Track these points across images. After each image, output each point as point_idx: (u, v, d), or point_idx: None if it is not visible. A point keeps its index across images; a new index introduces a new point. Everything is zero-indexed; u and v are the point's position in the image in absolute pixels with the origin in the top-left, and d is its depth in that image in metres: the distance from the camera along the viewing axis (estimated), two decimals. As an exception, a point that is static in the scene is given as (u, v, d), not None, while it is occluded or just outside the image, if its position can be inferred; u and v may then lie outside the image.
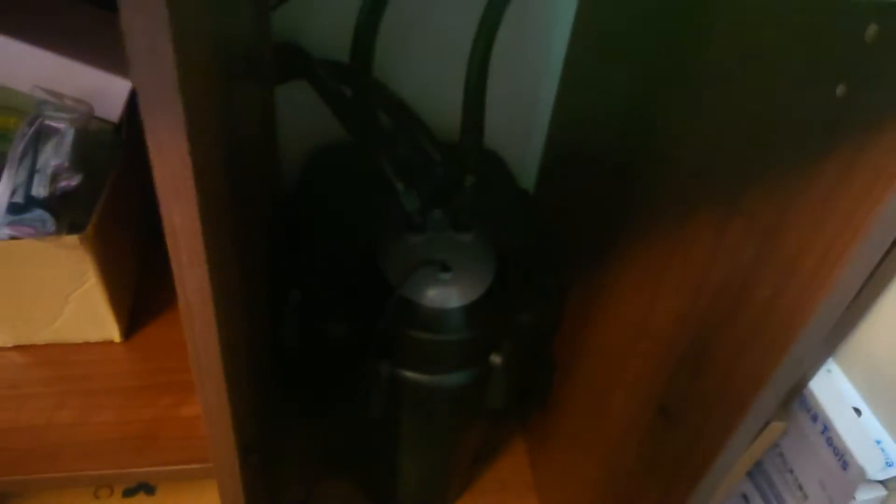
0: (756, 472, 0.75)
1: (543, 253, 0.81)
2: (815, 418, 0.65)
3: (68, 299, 0.54)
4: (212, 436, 0.47)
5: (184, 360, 0.56)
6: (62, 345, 0.57)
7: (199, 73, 0.33)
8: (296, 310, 0.70)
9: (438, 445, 0.83)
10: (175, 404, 0.54)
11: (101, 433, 0.52)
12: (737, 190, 0.48)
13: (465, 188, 0.67)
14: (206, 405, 0.44)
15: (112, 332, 0.58)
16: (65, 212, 0.48)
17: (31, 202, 0.46)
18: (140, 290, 0.63)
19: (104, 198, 0.53)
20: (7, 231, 0.47)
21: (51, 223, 0.47)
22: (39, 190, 0.46)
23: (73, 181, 0.48)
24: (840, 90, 0.38)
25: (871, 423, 0.63)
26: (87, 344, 0.58)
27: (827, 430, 0.63)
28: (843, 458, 0.62)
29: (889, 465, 0.60)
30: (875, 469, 0.60)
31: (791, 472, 0.69)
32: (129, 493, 0.80)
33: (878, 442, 0.61)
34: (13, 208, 0.46)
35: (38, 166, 0.46)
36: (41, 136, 0.47)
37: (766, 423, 0.65)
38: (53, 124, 0.48)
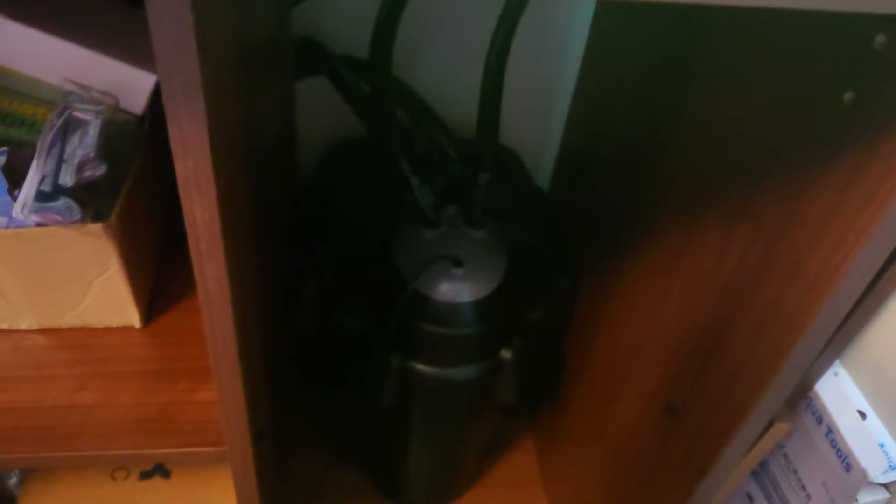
0: (761, 472, 0.75)
1: (556, 250, 0.82)
2: (819, 420, 0.65)
3: (91, 285, 0.56)
4: (226, 419, 0.49)
5: (201, 347, 0.58)
6: (84, 329, 0.59)
7: (221, 68, 0.35)
8: (311, 301, 0.72)
9: (447, 438, 0.84)
10: (191, 389, 0.56)
11: (120, 415, 0.53)
12: (745, 193, 0.49)
13: (480, 185, 0.68)
14: (221, 390, 0.46)
15: (132, 317, 0.59)
16: (89, 201, 0.50)
17: (58, 191, 0.48)
18: (160, 278, 0.64)
19: (127, 188, 0.54)
20: (35, 218, 0.48)
21: (76, 211, 0.49)
22: (66, 179, 0.48)
23: (99, 171, 0.50)
24: (847, 97, 0.39)
25: (875, 426, 0.63)
26: (108, 329, 0.59)
27: (831, 432, 0.64)
28: (846, 460, 0.62)
29: (892, 468, 0.61)
30: (877, 472, 0.60)
31: (795, 472, 0.69)
32: (145, 475, 0.81)
33: (882, 445, 0.62)
34: (41, 196, 0.47)
35: (65, 156, 0.48)
36: (69, 126, 0.49)
37: (771, 424, 0.65)
38: (81, 116, 0.49)
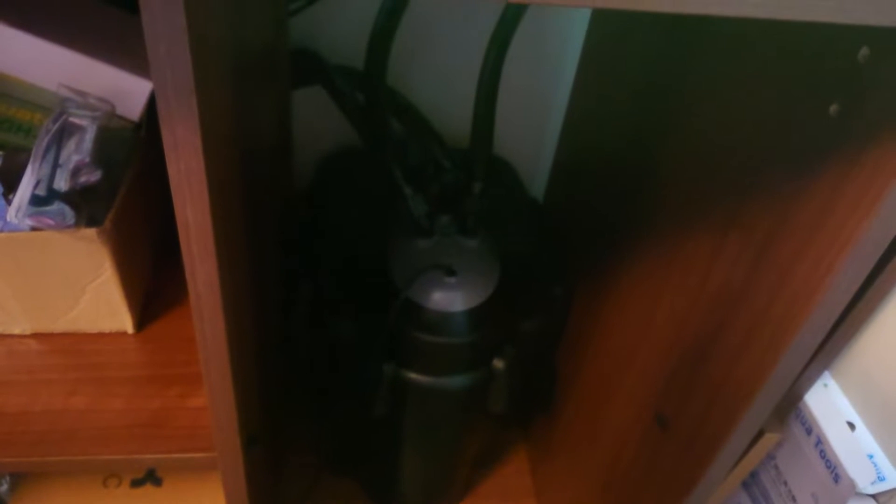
0: (752, 483, 0.75)
1: (550, 260, 0.83)
2: (809, 431, 0.66)
3: (85, 290, 0.56)
4: (216, 425, 0.49)
5: (193, 353, 0.59)
6: (77, 334, 0.59)
7: (215, 74, 0.35)
8: (304, 308, 0.72)
9: (440, 447, 0.84)
10: (183, 395, 0.56)
11: (112, 420, 0.54)
12: (734, 204, 0.49)
13: (474, 194, 0.69)
14: (211, 394, 0.46)
15: (125, 323, 0.59)
16: (84, 205, 0.50)
17: (52, 195, 0.48)
18: (154, 284, 0.65)
19: (122, 193, 0.55)
20: (29, 222, 0.49)
21: (70, 216, 0.49)
22: (61, 184, 0.48)
23: (94, 176, 0.50)
24: (833, 109, 0.40)
25: (864, 437, 0.64)
26: (101, 334, 0.60)
27: (820, 442, 0.64)
28: (835, 471, 0.62)
29: (881, 479, 0.61)
30: (866, 483, 0.60)
31: (785, 483, 0.70)
32: (136, 483, 0.81)
33: (871, 456, 0.62)
34: (36, 200, 0.48)
35: (60, 161, 0.48)
36: (65, 132, 0.49)
37: (761, 434, 0.66)
38: (77, 121, 0.50)
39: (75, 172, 0.49)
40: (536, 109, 0.91)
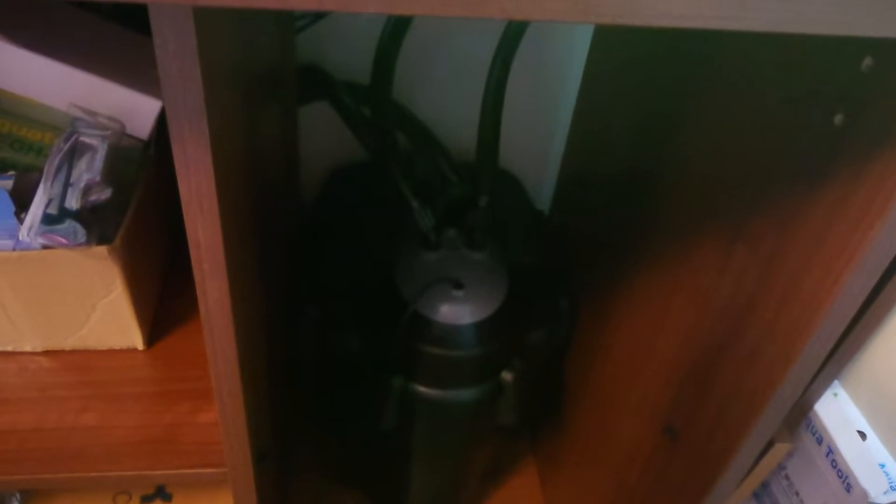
0: (763, 494, 0.75)
1: (557, 273, 0.83)
2: (820, 441, 0.65)
3: (95, 307, 0.57)
4: (227, 441, 0.49)
5: (203, 369, 0.59)
6: (88, 351, 0.60)
7: (224, 94, 0.36)
8: (312, 323, 0.72)
9: (449, 460, 0.84)
10: (193, 411, 0.56)
11: (123, 437, 0.54)
12: (740, 216, 0.49)
13: (480, 208, 0.69)
14: (222, 410, 0.46)
15: (136, 339, 0.60)
16: (95, 224, 0.51)
17: (64, 214, 0.48)
18: (163, 301, 0.65)
19: (132, 211, 0.55)
20: (41, 241, 0.49)
21: (82, 234, 0.50)
22: (72, 202, 0.49)
23: (104, 195, 0.50)
24: (838, 119, 0.40)
25: (875, 446, 0.63)
26: (112, 350, 0.60)
27: (832, 452, 0.64)
28: (846, 480, 0.62)
29: (893, 488, 0.60)
30: (878, 492, 0.60)
31: (797, 494, 0.69)
32: (146, 499, 0.81)
33: (882, 465, 0.62)
34: (47, 219, 0.48)
35: (71, 180, 0.49)
36: (76, 151, 0.50)
37: (771, 444, 0.65)
38: (87, 140, 0.50)
39: (86, 191, 0.49)
40: (541, 122, 0.91)
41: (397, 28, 0.61)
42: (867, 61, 0.37)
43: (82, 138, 0.50)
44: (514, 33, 0.57)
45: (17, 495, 0.79)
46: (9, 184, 0.49)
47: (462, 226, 0.71)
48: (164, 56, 0.29)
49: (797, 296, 0.43)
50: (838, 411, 0.66)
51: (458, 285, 0.67)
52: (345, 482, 0.97)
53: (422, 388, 0.70)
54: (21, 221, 0.49)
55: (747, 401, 0.49)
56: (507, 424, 0.75)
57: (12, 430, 0.53)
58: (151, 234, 0.62)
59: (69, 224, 0.49)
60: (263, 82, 0.58)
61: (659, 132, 0.62)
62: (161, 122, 0.56)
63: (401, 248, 0.71)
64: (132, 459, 0.53)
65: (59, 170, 0.48)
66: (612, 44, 0.76)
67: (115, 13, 0.62)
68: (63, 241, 0.49)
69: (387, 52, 0.62)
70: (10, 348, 0.59)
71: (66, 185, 0.49)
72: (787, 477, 0.71)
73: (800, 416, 0.67)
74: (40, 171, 0.49)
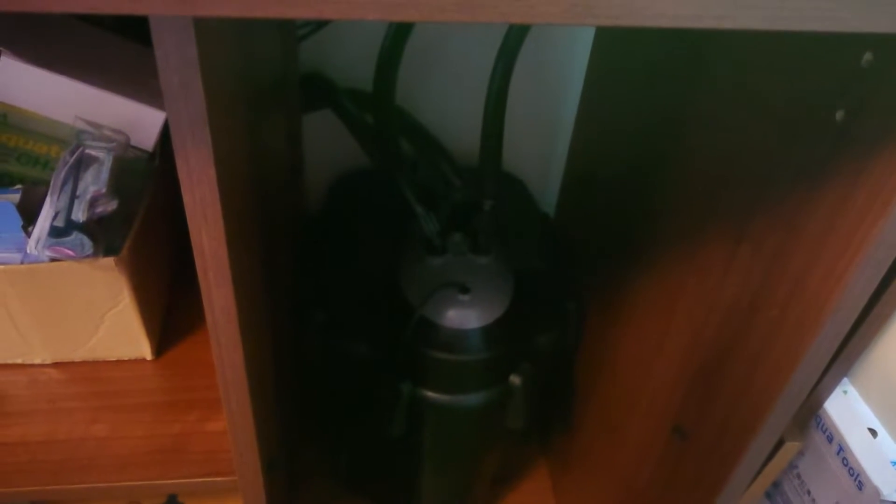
0: (775, 493, 0.75)
1: (563, 276, 0.83)
2: (830, 439, 0.65)
3: (103, 319, 0.57)
4: (236, 449, 0.49)
5: (211, 378, 0.59)
6: (97, 362, 0.60)
7: (227, 104, 0.36)
8: (319, 330, 0.72)
9: (459, 465, 0.84)
10: (202, 420, 0.56)
11: (133, 446, 0.54)
12: (744, 214, 0.49)
13: (485, 212, 0.69)
14: (230, 419, 0.46)
15: (144, 350, 0.60)
16: (101, 235, 0.51)
17: (70, 226, 0.49)
18: (171, 311, 0.65)
19: (138, 222, 0.55)
20: (48, 253, 0.50)
21: (89, 246, 0.50)
22: (79, 215, 0.49)
23: (110, 206, 0.51)
24: (839, 116, 0.40)
25: (886, 443, 0.63)
26: (121, 361, 0.60)
27: (842, 450, 0.64)
28: (858, 478, 0.62)
29: (905, 485, 0.60)
30: (890, 490, 0.60)
31: (808, 493, 0.69)
32: (158, 509, 0.81)
33: (894, 462, 0.61)
34: (55, 231, 0.48)
35: (78, 192, 0.49)
36: (81, 163, 0.50)
37: (782, 443, 0.65)
38: (93, 153, 0.50)
39: (92, 203, 0.50)
40: (545, 125, 0.91)
41: (399, 34, 0.61)
42: (867, 57, 0.37)
43: (88, 151, 0.50)
44: (515, 37, 0.57)
45: (30, 507, 0.79)
46: (16, 197, 0.50)
47: (467, 230, 0.71)
48: (166, 67, 0.30)
49: (803, 294, 0.43)
50: (848, 409, 0.66)
51: (465, 290, 0.67)
52: (354, 489, 0.97)
53: (430, 394, 0.70)
54: (29, 234, 0.49)
55: (756, 400, 0.48)
56: (516, 428, 0.75)
57: (23, 441, 0.54)
58: (158, 245, 0.62)
59: (76, 236, 0.49)
60: (266, 91, 0.58)
61: (661, 133, 0.62)
62: (166, 133, 0.57)
63: (406, 254, 0.71)
64: (142, 469, 0.53)
65: (65, 182, 0.49)
66: (613, 45, 0.76)
67: (116, 25, 0.62)
68: (70, 253, 0.50)
69: (389, 58, 0.62)
70: (19, 361, 0.59)
71: (73, 197, 0.49)
72: (798, 476, 0.70)
73: (809, 414, 0.67)
74: (47, 184, 0.49)
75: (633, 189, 0.69)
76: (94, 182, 0.50)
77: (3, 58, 0.52)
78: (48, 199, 0.49)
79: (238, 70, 0.42)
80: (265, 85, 0.58)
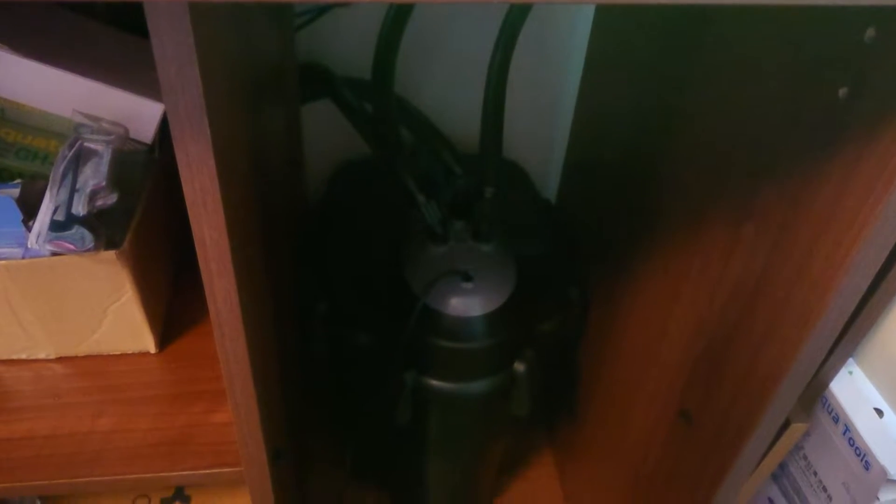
0: (781, 475, 0.75)
1: (566, 262, 0.82)
2: (836, 419, 0.65)
3: (106, 312, 0.57)
4: (242, 440, 0.49)
5: (215, 370, 0.59)
6: (101, 356, 0.60)
7: (225, 93, 0.36)
8: (323, 320, 0.72)
9: (465, 453, 0.84)
10: (208, 411, 0.56)
11: (138, 439, 0.54)
12: (747, 195, 0.49)
13: (486, 199, 0.69)
14: (235, 409, 0.46)
15: (147, 343, 0.60)
16: (102, 229, 0.51)
17: (71, 220, 0.49)
18: (173, 304, 0.65)
19: (139, 215, 0.55)
20: (49, 247, 0.49)
21: (90, 239, 0.50)
22: (79, 208, 0.49)
23: (110, 200, 0.51)
24: (842, 92, 0.39)
25: (893, 423, 0.63)
26: (124, 355, 0.60)
27: (848, 430, 0.64)
28: (865, 458, 0.62)
29: (912, 465, 0.60)
30: (898, 469, 0.60)
31: (815, 474, 0.69)
32: (165, 502, 0.82)
33: (901, 442, 0.61)
34: (55, 226, 0.48)
35: (77, 186, 0.49)
36: (80, 157, 0.50)
37: (788, 424, 0.65)
38: (92, 146, 0.50)
39: (92, 196, 0.49)
40: (545, 112, 0.91)
41: (397, 20, 0.60)
42: (870, 32, 0.37)
43: (87, 144, 0.50)
44: (513, 21, 0.56)
45: (38, 503, 0.80)
46: (15, 192, 0.50)
47: (469, 218, 0.71)
48: (162, 57, 0.30)
49: (808, 273, 0.43)
50: (854, 389, 0.66)
51: (467, 277, 0.67)
52: (362, 478, 0.97)
53: (434, 382, 0.70)
54: (29, 229, 0.49)
55: (761, 381, 0.48)
56: (520, 415, 0.75)
57: (29, 436, 0.54)
58: (159, 238, 0.62)
59: (77, 230, 0.49)
60: (264, 81, 0.58)
61: (663, 115, 0.62)
62: (165, 125, 0.57)
63: (408, 243, 0.71)
64: (148, 462, 0.53)
65: (64, 176, 0.49)
66: (613, 28, 0.75)
67: (111, 17, 0.62)
68: (71, 247, 0.50)
69: (387, 46, 0.62)
70: (24, 356, 0.59)
71: (73, 191, 0.49)
72: (804, 457, 0.70)
73: (815, 395, 0.67)
74: (46, 178, 0.49)
75: (634, 173, 0.69)
76: (93, 175, 0.50)
77: (-1, 52, 0.52)
78: (48, 194, 0.48)
79: (236, 60, 0.41)
80: (263, 75, 0.58)
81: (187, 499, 0.82)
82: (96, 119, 0.53)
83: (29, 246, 0.49)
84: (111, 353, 0.60)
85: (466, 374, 0.71)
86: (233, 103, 0.39)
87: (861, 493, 0.63)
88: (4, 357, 0.59)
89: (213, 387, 0.58)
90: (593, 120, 0.83)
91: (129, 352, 0.60)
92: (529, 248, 0.78)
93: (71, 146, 0.49)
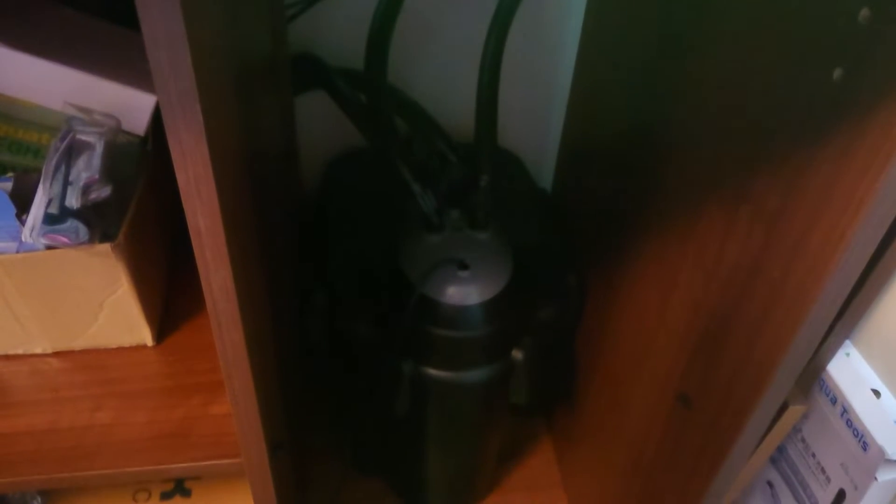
0: (780, 458, 0.75)
1: (563, 250, 0.83)
2: (834, 401, 0.65)
3: (102, 306, 0.57)
4: (241, 430, 0.49)
5: (213, 362, 0.59)
6: (98, 350, 0.60)
7: (217, 82, 0.35)
8: (320, 311, 0.72)
9: (464, 442, 0.84)
10: (206, 403, 0.56)
11: (137, 432, 0.54)
12: (743, 178, 0.49)
13: (482, 187, 0.69)
14: (234, 401, 0.46)
15: (144, 336, 0.60)
16: (97, 222, 0.51)
17: (65, 213, 0.48)
18: (170, 297, 0.65)
19: (133, 207, 0.55)
20: (43, 241, 0.49)
21: (84, 232, 0.50)
22: (73, 201, 0.49)
23: (104, 192, 0.50)
24: (837, 74, 0.39)
25: (890, 403, 0.63)
26: (121, 348, 0.60)
27: (846, 412, 0.64)
28: (862, 439, 0.62)
29: (910, 445, 0.60)
30: (895, 449, 0.60)
31: (813, 455, 0.69)
32: (165, 496, 0.82)
33: (898, 422, 0.62)
34: (49, 219, 0.48)
35: (71, 179, 0.49)
36: (73, 150, 0.49)
37: (785, 407, 0.65)
38: (84, 138, 0.50)
39: (86, 189, 0.49)
40: (539, 99, 0.91)
41: (389, 8, 0.60)
42: (864, 12, 0.37)
43: (79, 136, 0.50)
44: (507, 8, 0.56)
45: (39, 498, 0.80)
46: (8, 185, 0.50)
47: (464, 207, 0.71)
48: (153, 44, 0.29)
49: (804, 254, 0.43)
50: (851, 371, 0.66)
51: (464, 266, 0.67)
52: (362, 469, 0.97)
53: (432, 371, 0.70)
54: (23, 223, 0.49)
55: (759, 364, 0.48)
56: (519, 403, 0.75)
57: (28, 431, 0.54)
58: (154, 230, 0.62)
59: (71, 223, 0.49)
60: (257, 72, 0.58)
61: (657, 99, 0.62)
62: (157, 116, 0.56)
63: (404, 232, 0.71)
64: (148, 454, 0.53)
65: (57, 169, 0.48)
66: (607, 10, 0.75)
67: (101, 9, 0.61)
68: (65, 240, 0.49)
69: (380, 34, 0.62)
70: (20, 351, 0.59)
71: (66, 184, 0.49)
72: (802, 439, 0.71)
73: (813, 377, 0.67)
74: (39, 172, 0.49)
75: (629, 159, 0.69)
76: (86, 168, 0.49)
77: (-12, 45, 0.52)
78: (41, 187, 0.48)
79: (227, 49, 0.41)
80: (255, 66, 0.57)
81: (187, 492, 0.82)
82: (88, 111, 0.53)
83: (23, 240, 0.49)
84: (108, 347, 0.60)
85: (464, 363, 0.71)
86: (225, 92, 0.39)
87: (859, 473, 0.63)
88: (1, 352, 0.59)
89: (210, 379, 0.58)
90: (588, 108, 0.83)
91: (126, 345, 0.60)
92: (526, 237, 0.78)
93: (63, 139, 0.49)
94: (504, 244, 0.71)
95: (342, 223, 0.80)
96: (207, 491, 0.82)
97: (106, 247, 0.52)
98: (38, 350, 0.59)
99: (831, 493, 0.67)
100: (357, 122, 0.76)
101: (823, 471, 0.68)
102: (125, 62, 0.56)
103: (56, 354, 0.60)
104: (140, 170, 0.57)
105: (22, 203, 0.49)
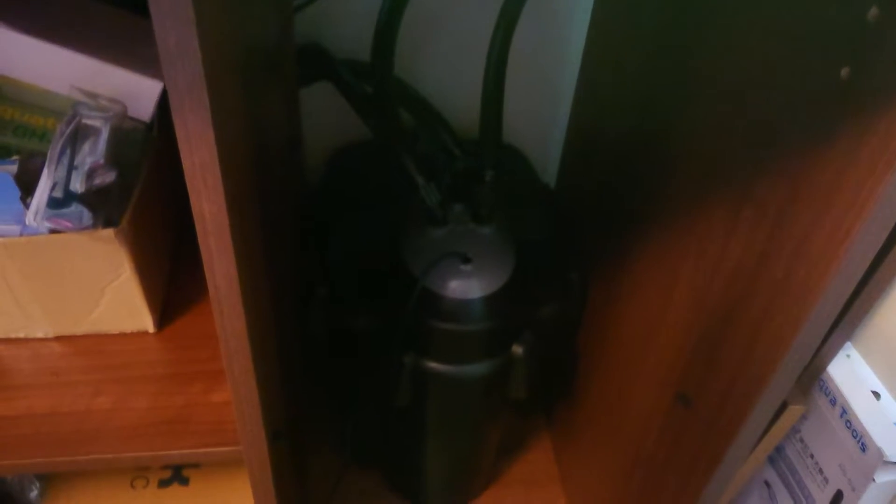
0: (778, 459, 0.75)
1: (565, 246, 0.82)
2: (833, 402, 0.65)
3: (104, 291, 0.57)
4: (240, 418, 0.49)
5: (214, 350, 0.59)
6: (99, 335, 0.60)
7: (224, 69, 0.35)
8: (322, 303, 0.72)
9: (463, 436, 0.84)
10: (206, 391, 0.56)
11: (137, 418, 0.54)
12: (747, 177, 0.49)
13: (485, 182, 0.69)
14: (234, 387, 0.46)
15: (146, 322, 0.60)
16: (101, 207, 0.51)
17: (69, 197, 0.48)
18: (172, 284, 0.65)
19: (137, 193, 0.55)
20: (47, 225, 0.49)
21: (88, 217, 0.50)
22: (77, 186, 0.49)
23: (109, 177, 0.50)
24: (844, 73, 0.39)
25: (889, 405, 0.63)
26: (123, 334, 0.60)
27: (845, 413, 0.64)
28: (861, 440, 0.62)
29: (908, 447, 0.60)
30: (894, 451, 0.60)
31: (812, 456, 0.69)
32: (163, 483, 0.82)
33: (897, 424, 0.62)
34: (53, 203, 0.48)
35: (75, 163, 0.49)
36: (78, 134, 0.49)
37: (784, 407, 0.65)
38: (90, 123, 0.50)
39: (91, 174, 0.49)
40: (545, 95, 0.91)
41: (397, 2, 0.60)
42: (873, 11, 0.37)
43: (85, 121, 0.50)
44: (514, 2, 0.56)
45: (37, 483, 0.80)
46: (13, 168, 0.50)
47: (468, 201, 0.71)
48: (162, 29, 0.29)
49: (807, 254, 0.43)
50: (851, 372, 0.66)
51: (466, 260, 0.67)
52: (361, 461, 0.97)
53: (433, 364, 0.71)
54: (27, 206, 0.49)
55: (759, 363, 0.48)
56: (518, 398, 0.76)
57: (28, 414, 0.54)
58: (158, 217, 0.62)
59: (75, 207, 0.49)
60: (263, 63, 0.58)
61: (664, 97, 0.62)
62: (163, 102, 0.56)
63: (408, 225, 0.71)
64: (147, 440, 0.53)
65: (62, 153, 0.48)
66: (614, 6, 0.75)
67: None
68: (69, 224, 0.49)
69: (387, 26, 0.62)
70: (22, 335, 0.59)
71: (71, 168, 0.49)
72: (801, 440, 0.71)
73: (813, 378, 0.67)
74: (44, 155, 0.49)
75: (633, 157, 0.69)
76: (91, 153, 0.49)
77: (-4, 28, 0.52)
78: (46, 170, 0.48)
79: (234, 37, 0.41)
80: (262, 56, 0.57)
81: (185, 480, 0.82)
82: (94, 96, 0.53)
83: (27, 223, 0.49)
84: (109, 333, 0.60)
85: (465, 357, 0.71)
86: (231, 79, 0.39)
87: (857, 474, 0.63)
88: (2, 336, 0.59)
89: (211, 366, 0.58)
90: (593, 104, 0.83)
91: (128, 331, 0.60)
92: (529, 232, 0.78)
93: (69, 123, 0.49)
94: (507, 239, 0.71)
95: (345, 214, 0.80)
96: (205, 479, 0.82)
97: (109, 232, 0.52)
98: (40, 334, 0.59)
99: (829, 494, 0.68)
100: (362, 113, 0.76)
101: (821, 471, 0.68)
102: (132, 48, 0.56)
103: (57, 339, 0.60)
104: (145, 156, 0.57)
105: (26, 186, 0.49)
